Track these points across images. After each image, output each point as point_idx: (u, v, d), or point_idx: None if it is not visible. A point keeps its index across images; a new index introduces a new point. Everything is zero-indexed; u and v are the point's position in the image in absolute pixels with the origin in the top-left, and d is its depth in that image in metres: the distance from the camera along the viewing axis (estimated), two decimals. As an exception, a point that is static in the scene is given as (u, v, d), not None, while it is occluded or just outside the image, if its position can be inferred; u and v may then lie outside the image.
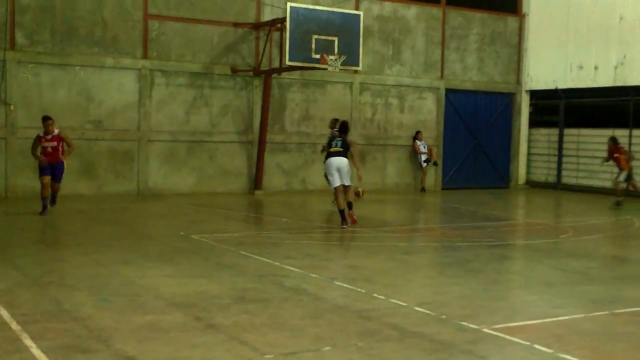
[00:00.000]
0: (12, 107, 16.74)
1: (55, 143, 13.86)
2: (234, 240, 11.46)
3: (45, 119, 14.01)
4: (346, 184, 13.28)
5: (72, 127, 17.27)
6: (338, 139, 13.59)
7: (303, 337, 6.27)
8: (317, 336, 6.29)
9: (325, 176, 13.90)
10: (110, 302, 7.26)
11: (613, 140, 18.67)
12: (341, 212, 13.16)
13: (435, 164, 22.02)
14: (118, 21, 17.80)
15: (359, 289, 8.09)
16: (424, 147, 21.67)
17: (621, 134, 21.18)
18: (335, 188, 13.26)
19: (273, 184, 19.70)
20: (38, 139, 13.90)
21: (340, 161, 13.21)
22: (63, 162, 14.02)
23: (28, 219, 13.40)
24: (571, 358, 5.82)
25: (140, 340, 6.05)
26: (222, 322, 6.64)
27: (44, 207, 13.74)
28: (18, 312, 6.76)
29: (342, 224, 13.06)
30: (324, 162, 13.74)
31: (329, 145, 13.60)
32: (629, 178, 18.54)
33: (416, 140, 21.65)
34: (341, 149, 13.33)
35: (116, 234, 11.85)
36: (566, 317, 7.13)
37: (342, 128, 13.87)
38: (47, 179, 13.75)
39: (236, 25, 19.07)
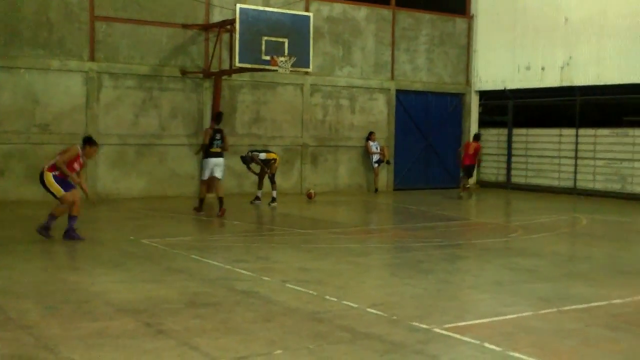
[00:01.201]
0: (-45, 111, 16.34)
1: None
2: (185, 244, 11.35)
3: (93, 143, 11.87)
4: (219, 177, 15.04)
5: (18, 131, 16.95)
6: (218, 138, 15.11)
7: (254, 340, 6.22)
8: (268, 340, 6.26)
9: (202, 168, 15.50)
10: (57, 310, 7.12)
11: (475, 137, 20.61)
12: (201, 200, 15.06)
13: (388, 162, 22.13)
14: (64, 23, 17.49)
15: (310, 292, 8.07)
16: (377, 147, 21.77)
17: (568, 133, 21.61)
18: (203, 180, 15.09)
19: (225, 187, 19.51)
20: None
21: (219, 160, 15.09)
22: None
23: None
24: (520, 356, 5.89)
25: (89, 348, 5.94)
26: (173, 328, 6.56)
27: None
28: (-39, 322, 6.59)
29: (198, 212, 14.84)
30: (203, 159, 15.36)
31: (210, 145, 15.04)
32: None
33: (369, 141, 21.75)
34: (220, 150, 15.18)
35: (63, 239, 11.60)
36: (515, 315, 7.22)
37: (218, 118, 15.74)
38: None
39: (185, 26, 18.90)
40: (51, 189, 11.27)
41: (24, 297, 7.66)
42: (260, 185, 17.56)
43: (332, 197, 19.85)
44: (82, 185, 11.50)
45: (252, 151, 17.71)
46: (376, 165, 21.78)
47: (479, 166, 22.25)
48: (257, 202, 17.41)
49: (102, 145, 17.90)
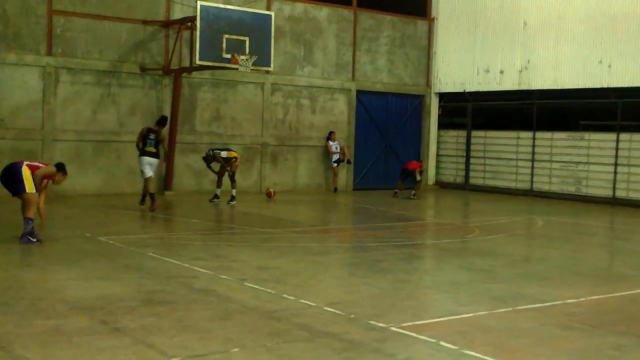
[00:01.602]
0: None
1: None
2: (142, 242, 11.25)
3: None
4: (150, 175, 15.44)
5: (-28, 126, 16.64)
6: (152, 138, 15.59)
7: (212, 339, 6.19)
8: (226, 338, 6.23)
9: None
10: (10, 307, 7.00)
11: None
12: (152, 195, 15.24)
13: (349, 162, 22.20)
14: (21, 16, 17.20)
15: (268, 290, 8.06)
16: (337, 147, 21.82)
17: (525, 136, 21.90)
18: (147, 178, 15.37)
19: (183, 185, 19.45)
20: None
21: (152, 160, 15.56)
22: None
23: None
24: (476, 354, 5.95)
25: (43, 346, 5.86)
26: (129, 325, 6.49)
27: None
28: None
29: (152, 208, 15.08)
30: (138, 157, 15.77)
31: (144, 143, 15.55)
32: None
33: (329, 141, 21.79)
34: (154, 150, 15.63)
35: (17, 236, 11.40)
36: (471, 315, 7.30)
37: (161, 121, 16.14)
38: None
39: (145, 22, 18.72)
40: (25, 182, 10.73)
41: (-24, 294, 7.53)
42: (219, 183, 17.48)
43: (292, 196, 19.84)
44: (41, 207, 11.21)
45: (213, 149, 17.62)
46: (335, 164, 21.82)
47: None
48: (216, 200, 17.33)
49: (59, 141, 17.71)
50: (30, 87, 17.36)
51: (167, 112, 18.79)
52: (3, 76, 17.02)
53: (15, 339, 6.01)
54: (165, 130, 16.48)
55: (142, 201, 15.70)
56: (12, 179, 10.88)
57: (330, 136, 21.83)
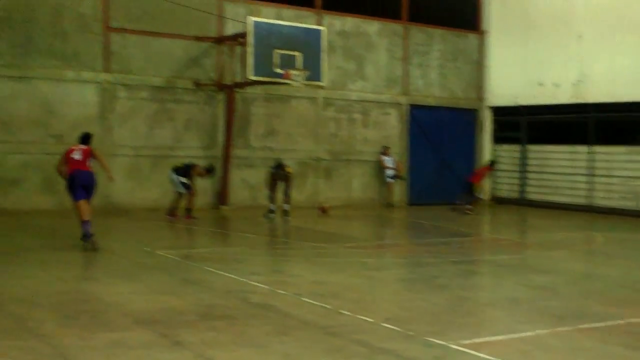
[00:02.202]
0: (-29, 121, 16.45)
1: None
2: (200, 256, 11.36)
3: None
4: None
5: (33, 141, 17.06)
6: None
7: (269, 354, 6.20)
8: (284, 353, 6.24)
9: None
10: (73, 319, 7.13)
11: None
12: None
13: (402, 178, 22.09)
14: (78, 34, 17.61)
15: (325, 305, 8.05)
16: (391, 162, 21.75)
17: (582, 150, 21.52)
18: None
19: (239, 199, 19.60)
20: None
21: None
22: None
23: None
24: (539, 373, 5.85)
25: (106, 358, 5.95)
26: (188, 339, 6.55)
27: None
28: (-22, 331, 6.61)
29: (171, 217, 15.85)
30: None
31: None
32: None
33: (383, 156, 21.74)
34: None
35: (78, 250, 11.63)
36: (531, 333, 7.16)
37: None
38: None
39: (199, 39, 18.99)
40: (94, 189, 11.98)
41: (41, 306, 7.69)
42: (274, 198, 17.42)
43: (346, 211, 19.81)
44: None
45: (280, 163, 17.41)
46: (390, 180, 21.74)
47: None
48: (271, 215, 17.30)
49: (117, 156, 18.03)
50: (88, 103, 17.74)
51: (221, 126, 19.00)
52: (62, 93, 17.43)
53: (79, 351, 6.11)
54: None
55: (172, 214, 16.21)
56: (93, 183, 11.85)
57: (384, 151, 21.77)
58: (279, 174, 17.10)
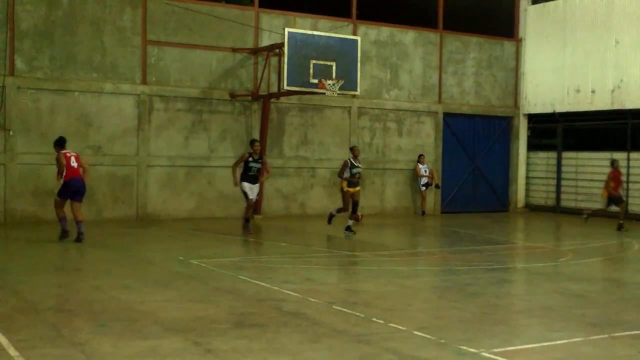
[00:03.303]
0: (11, 133, 16.79)
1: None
2: (233, 265, 11.45)
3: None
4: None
5: (71, 153, 17.33)
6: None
7: (302, 361, 6.25)
8: (315, 361, 6.28)
9: None
10: (108, 327, 7.24)
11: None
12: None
13: (437, 186, 22.02)
14: (117, 47, 17.90)
15: (357, 313, 8.07)
16: (426, 170, 21.70)
17: (619, 157, 21.21)
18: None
19: (272, 209, 19.71)
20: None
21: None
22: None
23: (27, 245, 13.39)
24: (571, 382, 5.80)
25: (139, 366, 6.04)
26: (221, 347, 6.62)
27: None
28: (16, 338, 6.74)
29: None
30: None
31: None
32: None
33: (418, 164, 21.69)
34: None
35: (115, 259, 11.83)
36: (565, 341, 7.11)
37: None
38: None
39: (235, 50, 19.18)
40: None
41: (76, 314, 7.82)
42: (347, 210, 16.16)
43: (379, 219, 19.81)
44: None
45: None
46: (424, 188, 21.69)
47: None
48: (349, 233, 15.83)
49: (153, 166, 18.26)
50: (126, 114, 18.01)
51: (255, 136, 19.10)
52: (100, 105, 17.72)
53: (113, 358, 6.22)
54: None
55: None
56: (85, 189, 13.68)
57: (419, 159, 21.72)
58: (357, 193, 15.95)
